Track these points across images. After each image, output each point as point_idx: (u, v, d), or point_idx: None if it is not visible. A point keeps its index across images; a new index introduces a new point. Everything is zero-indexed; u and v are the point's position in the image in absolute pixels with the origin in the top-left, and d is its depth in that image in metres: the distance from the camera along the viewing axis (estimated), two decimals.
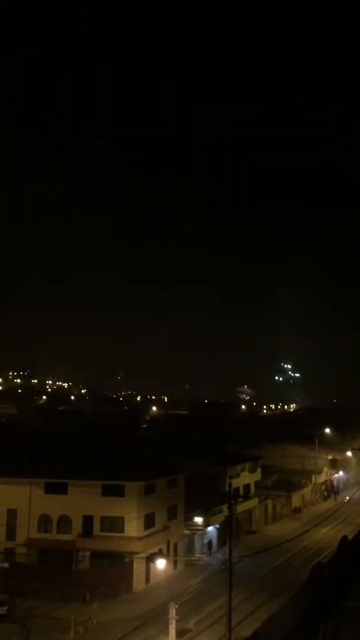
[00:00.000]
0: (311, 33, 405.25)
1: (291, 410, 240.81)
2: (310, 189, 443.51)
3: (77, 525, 47.08)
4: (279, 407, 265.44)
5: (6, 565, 45.12)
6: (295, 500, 77.02)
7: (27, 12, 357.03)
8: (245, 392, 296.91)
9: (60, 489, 47.95)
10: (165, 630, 30.88)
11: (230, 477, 59.73)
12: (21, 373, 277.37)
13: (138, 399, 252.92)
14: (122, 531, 46.30)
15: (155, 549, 45.25)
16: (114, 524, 46.60)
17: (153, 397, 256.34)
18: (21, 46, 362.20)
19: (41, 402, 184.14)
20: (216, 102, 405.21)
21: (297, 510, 73.94)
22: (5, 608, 38.93)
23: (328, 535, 65.41)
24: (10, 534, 47.64)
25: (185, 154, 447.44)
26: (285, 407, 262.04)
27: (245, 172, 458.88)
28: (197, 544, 56.02)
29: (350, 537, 49.34)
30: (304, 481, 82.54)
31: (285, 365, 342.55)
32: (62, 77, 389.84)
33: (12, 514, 47.94)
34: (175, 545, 51.57)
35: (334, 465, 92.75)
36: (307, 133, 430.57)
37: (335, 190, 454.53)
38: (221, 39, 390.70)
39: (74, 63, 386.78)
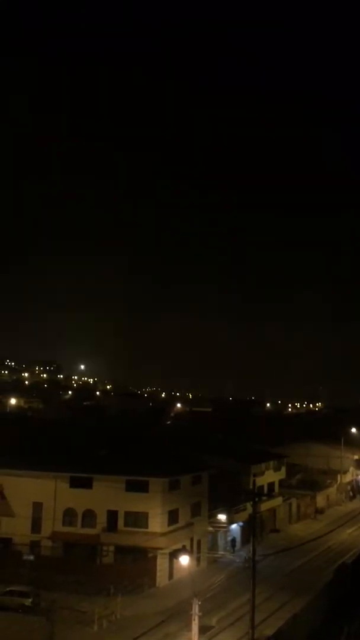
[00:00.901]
0: (311, 33, 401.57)
1: (316, 409, 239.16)
2: (320, 190, 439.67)
3: (102, 520, 47.46)
4: (303, 405, 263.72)
5: (32, 557, 45.68)
6: (320, 499, 76.46)
7: (27, 12, 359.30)
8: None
9: (85, 484, 48.40)
10: (188, 626, 31.00)
11: (255, 475, 59.62)
12: (47, 368, 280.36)
13: (163, 395, 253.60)
14: (146, 527, 46.57)
15: (179, 546, 45.42)
16: (138, 520, 46.88)
17: (177, 394, 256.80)
18: (21, 46, 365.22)
19: (67, 397, 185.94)
20: (216, 101, 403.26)
21: (320, 511, 73.10)
22: (30, 600, 39.42)
23: (353, 535, 64.90)
24: (36, 526, 48.25)
25: (204, 153, 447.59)
26: (311, 405, 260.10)
27: (254, 172, 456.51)
28: (221, 542, 56.03)
29: None
30: (329, 481, 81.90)
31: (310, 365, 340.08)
32: (62, 76, 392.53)
33: (37, 507, 48.55)
34: (199, 542, 51.66)
35: None
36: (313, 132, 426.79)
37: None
38: (221, 38, 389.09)
39: (74, 62, 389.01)
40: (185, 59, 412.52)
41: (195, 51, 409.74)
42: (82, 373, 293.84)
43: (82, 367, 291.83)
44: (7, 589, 40.43)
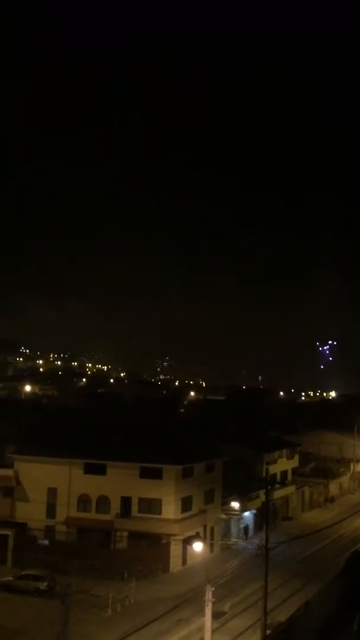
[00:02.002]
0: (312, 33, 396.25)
1: (330, 397, 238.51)
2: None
3: (116, 506, 47.94)
4: (317, 394, 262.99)
5: (47, 542, 46.36)
6: (333, 488, 76.52)
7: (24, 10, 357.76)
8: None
9: (99, 470, 48.85)
10: (201, 611, 31.26)
11: (268, 463, 59.78)
12: (62, 355, 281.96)
13: (176, 383, 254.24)
14: (160, 513, 46.97)
15: (192, 532, 45.68)
16: (152, 506, 47.28)
17: (191, 382, 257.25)
18: (23, 43, 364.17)
19: (81, 384, 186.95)
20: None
21: (330, 500, 72.96)
22: (45, 584, 40.04)
23: None
24: (51, 512, 48.84)
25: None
26: (324, 394, 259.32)
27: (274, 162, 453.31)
28: (234, 529, 56.34)
29: None
30: (342, 469, 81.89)
31: (325, 352, 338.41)
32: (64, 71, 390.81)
33: (52, 492, 49.11)
34: (212, 529, 52.01)
35: None
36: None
37: None
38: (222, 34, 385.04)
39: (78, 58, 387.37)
40: (187, 44, 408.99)
41: (195, 39, 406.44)
42: (96, 360, 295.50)
43: (97, 354, 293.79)
44: (23, 572, 41.12)
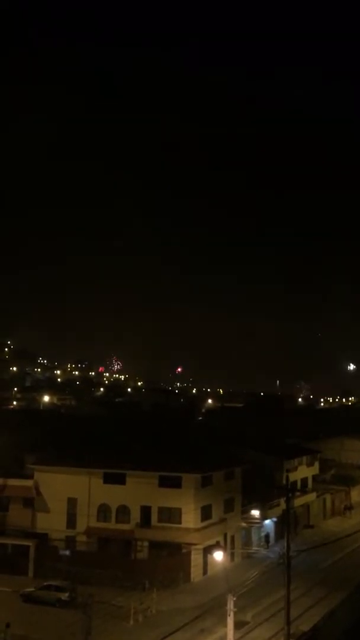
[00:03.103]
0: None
1: (349, 403, 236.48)
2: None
3: (136, 516, 47.84)
4: (336, 400, 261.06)
5: (67, 552, 46.36)
6: (355, 495, 75.66)
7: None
8: (303, 387, 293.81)
9: (119, 480, 48.81)
10: (223, 621, 31.07)
11: (288, 471, 59.28)
12: (79, 365, 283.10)
13: (194, 391, 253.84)
14: (180, 522, 46.77)
15: (213, 541, 45.55)
16: (172, 515, 47.10)
17: (209, 390, 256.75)
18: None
19: (99, 393, 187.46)
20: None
21: (349, 508, 71.71)
22: (67, 594, 40.00)
23: None
24: (71, 522, 48.87)
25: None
26: (344, 400, 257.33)
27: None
28: (254, 537, 55.93)
29: None
30: None
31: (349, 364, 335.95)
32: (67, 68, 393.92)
33: (72, 502, 49.15)
34: (233, 537, 51.67)
35: None
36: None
37: None
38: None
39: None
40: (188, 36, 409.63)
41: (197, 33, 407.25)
42: (113, 370, 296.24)
43: (116, 366, 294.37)
44: (45, 583, 41.14)
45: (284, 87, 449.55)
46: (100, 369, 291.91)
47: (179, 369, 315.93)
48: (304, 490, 63.17)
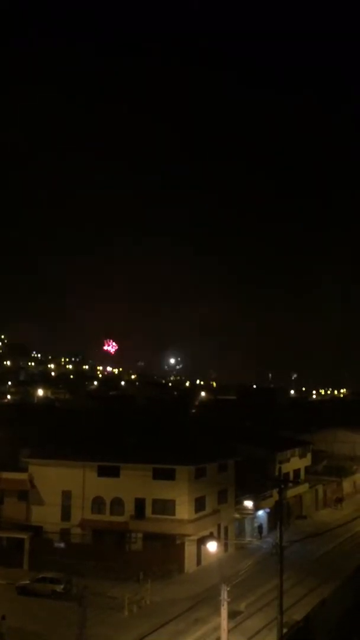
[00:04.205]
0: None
1: (341, 395, 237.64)
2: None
3: (130, 508, 48.16)
4: (328, 392, 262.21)
5: (62, 545, 46.64)
6: (347, 486, 76.33)
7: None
8: (294, 378, 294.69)
9: (113, 472, 49.10)
10: (217, 611, 31.42)
11: (280, 462, 59.82)
12: (73, 359, 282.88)
13: (187, 384, 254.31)
14: (174, 514, 47.13)
15: (206, 532, 45.95)
16: (166, 507, 47.45)
17: (201, 383, 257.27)
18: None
19: (92, 387, 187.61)
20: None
21: (339, 500, 72.12)
22: (62, 586, 40.28)
23: None
24: (66, 515, 49.14)
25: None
26: (335, 392, 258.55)
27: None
28: (248, 528, 56.42)
29: None
30: (355, 467, 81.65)
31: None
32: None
33: (66, 495, 49.41)
34: (226, 528, 52.12)
35: None
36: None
37: None
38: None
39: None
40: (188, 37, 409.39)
41: (198, 33, 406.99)
42: (107, 363, 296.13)
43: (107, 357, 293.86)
44: (40, 575, 41.41)
45: (284, 87, 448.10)
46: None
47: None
48: (296, 481, 63.69)
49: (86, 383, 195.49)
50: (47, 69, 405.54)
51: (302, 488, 65.70)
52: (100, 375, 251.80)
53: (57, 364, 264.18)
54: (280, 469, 41.86)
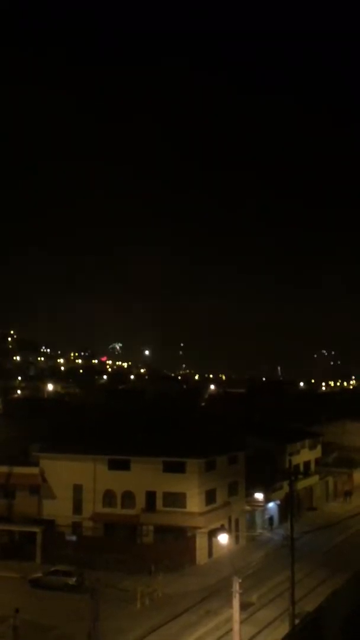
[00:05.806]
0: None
1: (350, 387, 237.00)
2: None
3: (141, 501, 48.37)
4: (337, 384, 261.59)
5: (74, 538, 46.95)
6: (357, 477, 76.21)
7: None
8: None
9: (123, 466, 49.31)
10: (228, 603, 31.52)
11: (290, 454, 59.73)
12: (82, 353, 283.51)
13: (196, 377, 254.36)
14: (184, 506, 47.28)
15: (217, 525, 46.02)
16: (176, 500, 47.61)
17: (211, 376, 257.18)
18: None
19: (102, 381, 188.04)
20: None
21: (349, 492, 71.95)
22: (74, 579, 40.59)
23: None
24: (77, 508, 49.44)
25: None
26: (345, 384, 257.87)
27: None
28: (258, 520, 56.51)
29: None
30: None
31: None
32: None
33: (78, 489, 49.68)
34: (237, 520, 52.24)
35: None
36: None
37: None
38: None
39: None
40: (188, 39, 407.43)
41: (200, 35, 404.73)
42: (116, 357, 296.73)
43: (117, 347, 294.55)
44: (52, 568, 41.74)
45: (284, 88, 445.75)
46: (103, 358, 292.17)
47: (183, 356, 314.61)
48: (306, 473, 63.72)
49: (96, 377, 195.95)
50: (48, 69, 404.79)
51: (312, 480, 65.72)
52: (109, 370, 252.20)
53: (67, 359, 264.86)
54: (290, 461, 41.93)
